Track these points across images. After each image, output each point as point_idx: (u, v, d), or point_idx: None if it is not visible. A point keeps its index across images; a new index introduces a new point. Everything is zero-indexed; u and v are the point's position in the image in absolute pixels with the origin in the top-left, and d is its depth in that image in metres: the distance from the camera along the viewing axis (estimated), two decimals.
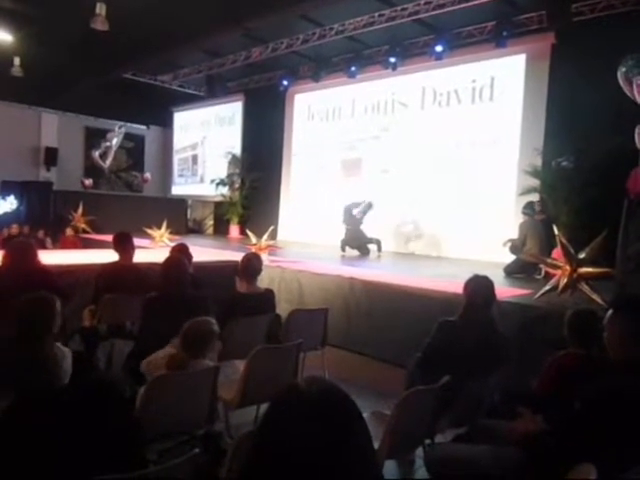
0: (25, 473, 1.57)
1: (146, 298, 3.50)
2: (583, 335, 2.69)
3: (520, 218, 7.36)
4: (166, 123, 16.10)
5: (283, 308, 5.05)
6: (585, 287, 4.69)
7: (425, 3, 8.34)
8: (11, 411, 1.72)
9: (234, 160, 13.46)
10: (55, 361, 2.13)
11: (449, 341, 3.05)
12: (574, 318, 2.80)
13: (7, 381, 2.06)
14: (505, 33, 8.39)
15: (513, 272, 6.84)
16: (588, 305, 3.78)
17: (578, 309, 2.90)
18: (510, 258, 7.06)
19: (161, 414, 2.51)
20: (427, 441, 2.78)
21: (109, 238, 5.16)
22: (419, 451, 2.89)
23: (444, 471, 2.37)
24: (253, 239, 7.96)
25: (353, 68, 10.31)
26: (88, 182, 14.37)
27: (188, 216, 15.21)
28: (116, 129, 14.83)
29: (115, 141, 14.95)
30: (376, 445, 2.37)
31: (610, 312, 2.22)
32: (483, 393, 2.97)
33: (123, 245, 4.56)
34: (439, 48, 9.02)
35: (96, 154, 14.86)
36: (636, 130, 5.12)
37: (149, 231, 9.18)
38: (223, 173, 13.53)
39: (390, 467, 3.14)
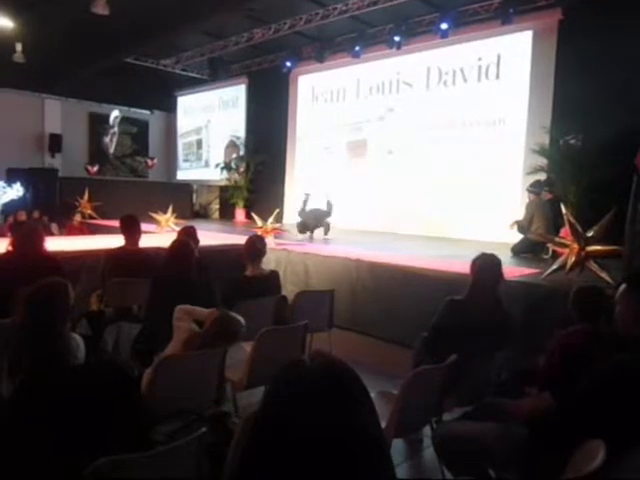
0: (33, 452, 1.57)
1: (153, 277, 3.52)
2: (588, 311, 2.67)
3: (527, 197, 7.31)
4: (170, 108, 16.01)
5: (289, 290, 5.07)
6: (593, 265, 4.66)
7: None
8: (19, 390, 1.72)
9: (231, 144, 13.41)
10: (68, 345, 2.11)
11: (456, 320, 3.04)
12: (579, 294, 2.78)
13: (18, 369, 2.04)
14: (511, 10, 8.23)
15: (520, 252, 6.81)
16: (596, 283, 3.75)
17: (582, 285, 2.89)
18: (517, 238, 7.02)
19: (168, 395, 2.52)
20: (434, 419, 2.79)
21: (115, 223, 5.16)
22: (427, 430, 2.90)
23: (451, 448, 2.38)
24: (259, 222, 7.95)
25: (357, 48, 10.19)
26: (93, 168, 14.37)
27: (194, 200, 15.20)
28: (115, 112, 14.82)
29: (116, 127, 14.98)
30: (383, 424, 2.37)
31: (623, 288, 2.20)
32: (490, 372, 2.97)
33: (130, 228, 4.55)
34: (444, 26, 8.87)
35: (106, 140, 14.89)
36: None
37: (155, 216, 9.18)
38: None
39: (398, 446, 3.16)
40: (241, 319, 2.82)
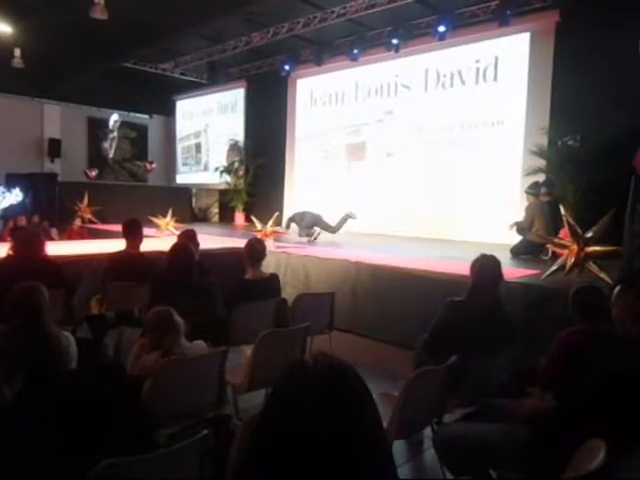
0: (36, 456, 1.58)
1: (155, 280, 3.52)
2: (588, 311, 2.68)
3: (526, 199, 7.32)
4: (169, 112, 16.03)
5: (289, 293, 5.07)
6: (593, 266, 4.67)
7: None
8: (22, 395, 1.73)
9: (233, 147, 13.43)
10: (59, 341, 2.13)
11: (456, 321, 3.04)
12: (578, 295, 2.80)
13: (16, 369, 2.06)
14: (509, 12, 8.24)
15: (520, 253, 6.82)
16: (595, 283, 3.76)
17: (582, 286, 2.90)
18: (516, 239, 7.03)
19: (170, 398, 2.53)
20: (435, 421, 2.79)
21: (115, 228, 5.17)
22: (427, 431, 2.90)
23: (452, 450, 2.38)
24: (258, 225, 7.96)
25: (355, 51, 10.19)
26: (92, 173, 14.38)
27: (193, 204, 15.20)
28: (115, 117, 14.85)
29: (115, 132, 15.02)
30: (385, 426, 2.37)
31: (618, 288, 2.20)
32: (491, 373, 2.97)
33: (132, 232, 4.57)
34: (442, 28, 8.87)
35: (106, 144, 14.91)
36: None
37: (155, 220, 9.17)
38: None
39: (399, 447, 3.16)
40: (170, 309, 2.83)
